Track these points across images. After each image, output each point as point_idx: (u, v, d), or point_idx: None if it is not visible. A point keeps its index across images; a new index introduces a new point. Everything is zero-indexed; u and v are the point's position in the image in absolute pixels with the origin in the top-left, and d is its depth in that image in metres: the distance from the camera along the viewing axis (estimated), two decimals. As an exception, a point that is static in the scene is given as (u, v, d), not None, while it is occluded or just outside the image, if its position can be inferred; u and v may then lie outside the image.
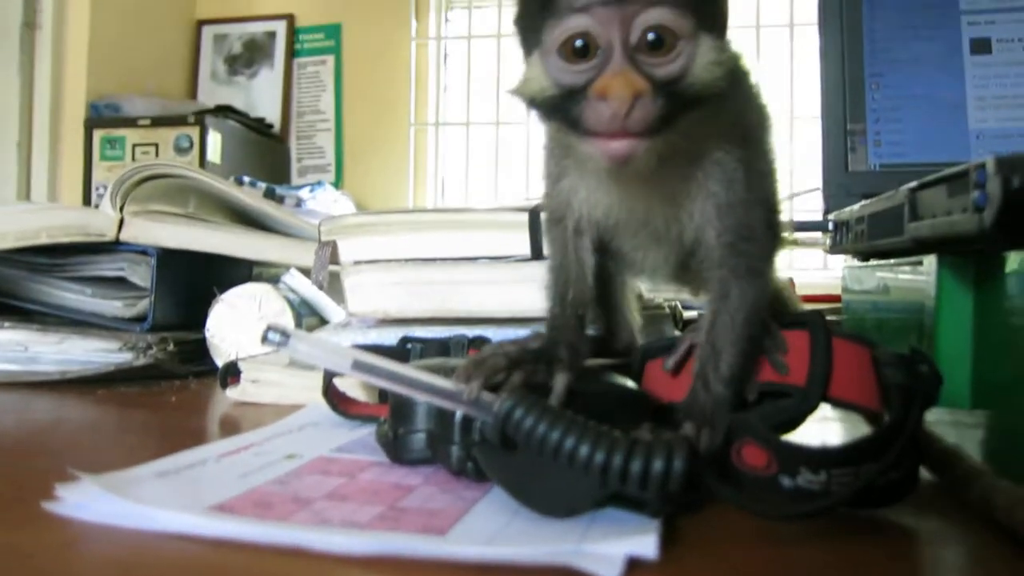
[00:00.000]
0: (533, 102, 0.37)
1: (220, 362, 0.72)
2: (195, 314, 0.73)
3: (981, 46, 0.62)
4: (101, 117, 2.61)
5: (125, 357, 0.67)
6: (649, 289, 0.54)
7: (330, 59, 3.05)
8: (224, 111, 2.74)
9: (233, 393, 0.60)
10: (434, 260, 0.59)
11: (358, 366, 0.34)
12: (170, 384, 0.68)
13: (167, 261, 0.72)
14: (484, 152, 2.94)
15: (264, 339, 0.33)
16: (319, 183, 2.78)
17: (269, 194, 2.54)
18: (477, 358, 0.38)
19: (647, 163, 0.35)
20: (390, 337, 0.58)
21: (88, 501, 0.32)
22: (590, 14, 0.34)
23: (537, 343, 0.41)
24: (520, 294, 0.57)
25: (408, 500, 0.34)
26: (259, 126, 2.93)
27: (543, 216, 0.48)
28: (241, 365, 0.60)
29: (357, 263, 0.60)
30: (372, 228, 0.60)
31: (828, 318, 0.77)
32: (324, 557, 0.27)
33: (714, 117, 0.38)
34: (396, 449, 0.40)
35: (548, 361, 0.40)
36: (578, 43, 0.34)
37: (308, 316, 0.77)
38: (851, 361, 0.38)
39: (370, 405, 0.53)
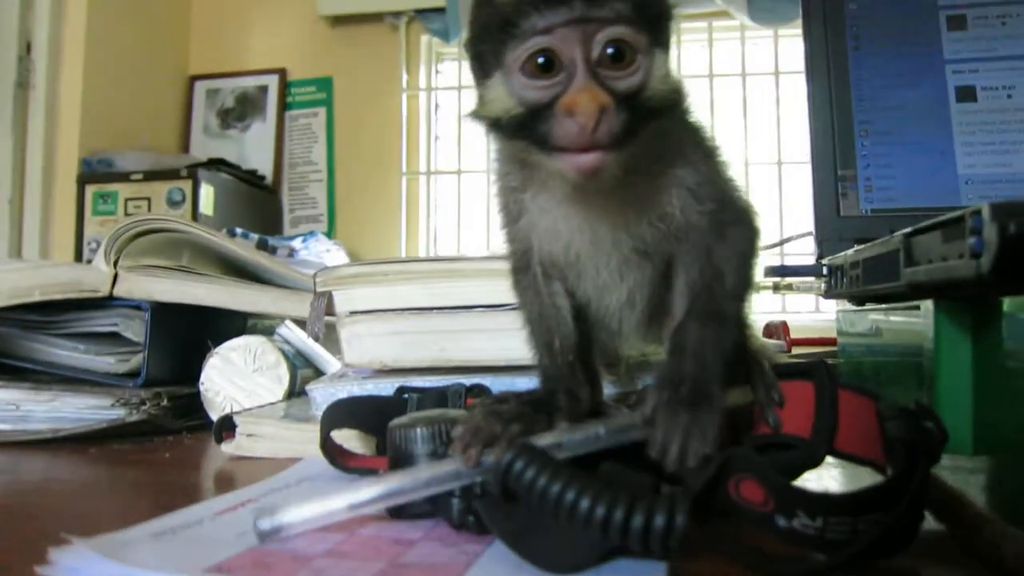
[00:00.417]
0: (497, 123, 0.38)
1: (214, 416, 0.72)
2: (189, 368, 0.73)
3: (966, 94, 0.63)
4: (94, 172, 2.62)
5: (118, 413, 0.66)
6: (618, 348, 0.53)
7: (322, 111, 3.09)
8: (216, 164, 2.75)
9: (228, 447, 0.59)
10: (430, 309, 0.59)
11: (354, 507, 0.35)
12: (163, 440, 0.67)
13: (161, 315, 0.72)
14: (476, 200, 2.96)
15: (259, 536, 0.34)
16: (312, 233, 2.79)
17: (261, 245, 2.55)
18: (472, 424, 0.37)
19: (614, 174, 0.36)
20: (387, 387, 0.58)
21: (82, 565, 0.31)
22: (552, 34, 0.34)
23: (535, 395, 0.42)
24: (516, 342, 0.57)
25: (409, 555, 0.33)
26: (251, 178, 2.95)
27: (509, 267, 0.48)
28: (236, 419, 0.59)
29: (353, 314, 0.60)
30: (367, 278, 0.60)
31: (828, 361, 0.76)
32: (326, 618, 0.27)
33: (670, 131, 0.40)
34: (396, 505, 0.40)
35: (548, 411, 0.40)
36: (541, 60, 0.35)
37: (303, 368, 0.77)
38: (856, 414, 0.38)
39: (368, 458, 0.52)
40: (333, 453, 0.51)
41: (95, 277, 0.69)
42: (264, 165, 3.07)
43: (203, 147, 3.06)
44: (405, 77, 3.02)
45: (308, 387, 0.61)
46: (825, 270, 0.60)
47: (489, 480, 0.35)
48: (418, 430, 0.41)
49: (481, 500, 0.36)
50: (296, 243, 2.65)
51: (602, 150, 0.35)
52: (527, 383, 0.56)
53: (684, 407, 0.35)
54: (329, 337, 0.68)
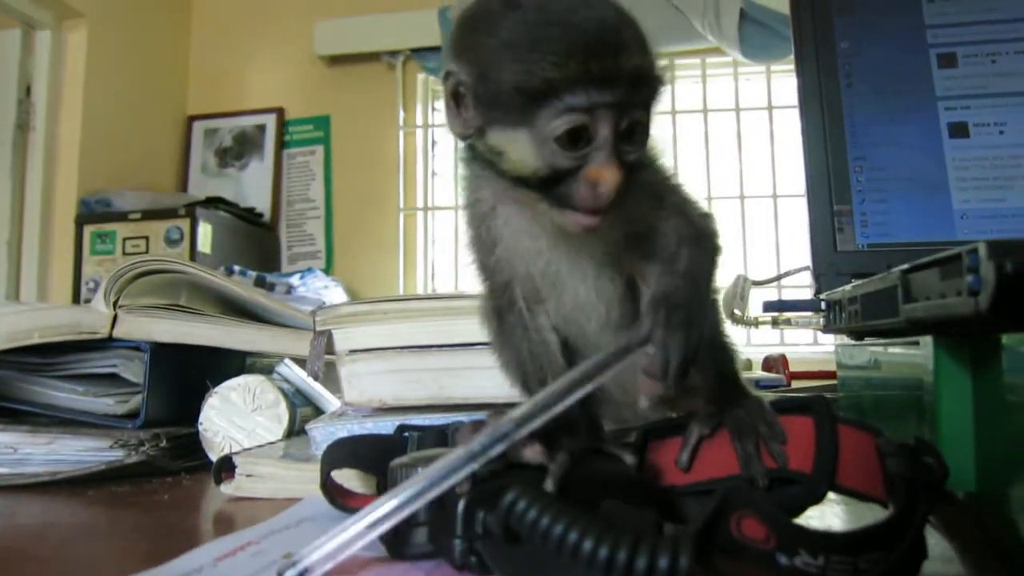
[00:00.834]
0: (524, 176, 0.40)
1: (213, 456, 0.71)
2: (188, 408, 0.73)
3: (959, 130, 0.64)
4: (92, 212, 2.64)
5: (116, 455, 0.66)
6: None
7: (319, 149, 3.12)
8: (214, 202, 2.77)
9: (227, 488, 0.59)
10: (429, 347, 0.59)
11: (373, 526, 0.35)
12: (162, 481, 0.66)
13: (160, 355, 0.72)
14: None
15: None
16: (309, 270, 2.80)
17: (259, 282, 2.56)
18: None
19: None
20: (387, 426, 0.58)
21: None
22: (592, 113, 0.37)
23: (537, 431, 0.41)
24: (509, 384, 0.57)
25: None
26: (249, 216, 2.97)
27: (487, 307, 0.49)
28: (235, 459, 0.59)
29: (352, 352, 0.60)
30: (367, 317, 0.60)
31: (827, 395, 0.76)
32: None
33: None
34: (397, 544, 0.40)
35: (550, 442, 0.40)
36: (576, 135, 0.38)
37: (302, 406, 0.77)
38: (856, 449, 0.38)
39: (368, 497, 0.52)
40: (333, 493, 0.50)
41: (94, 319, 0.69)
42: (262, 203, 3.09)
43: (201, 186, 3.08)
44: (402, 115, 3.05)
45: (308, 426, 0.61)
46: (823, 305, 0.60)
47: (491, 519, 0.35)
48: (419, 470, 0.40)
49: (483, 541, 0.36)
50: (294, 280, 2.66)
51: (604, 213, 0.38)
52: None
53: (680, 327, 0.37)
54: (329, 375, 0.68)
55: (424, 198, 3.07)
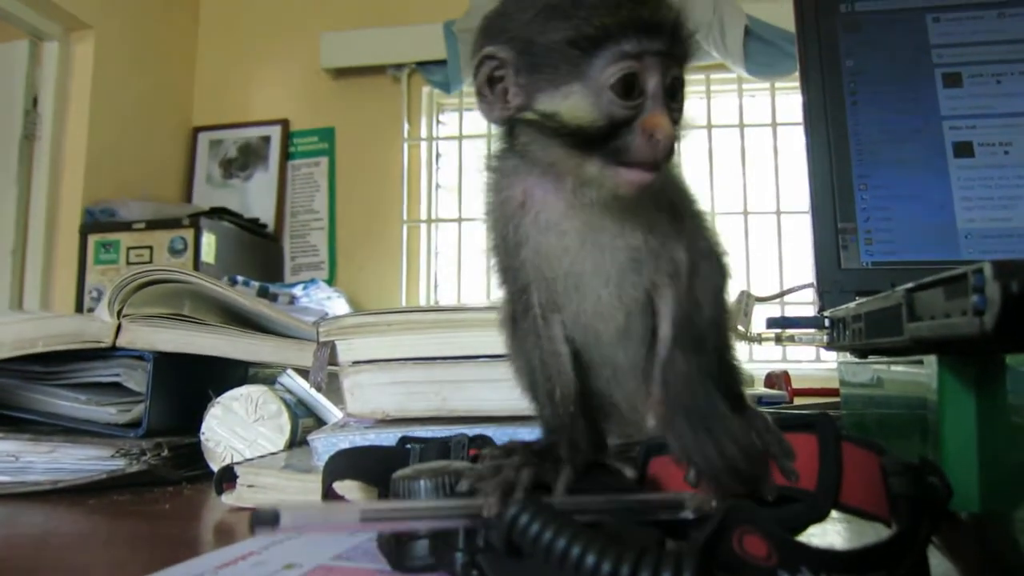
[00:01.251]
0: (579, 130, 0.40)
1: (214, 466, 0.71)
2: (189, 417, 0.73)
3: (964, 149, 0.65)
4: (96, 222, 2.65)
5: (118, 464, 0.66)
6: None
7: (324, 161, 3.13)
8: (219, 213, 2.78)
9: (229, 498, 0.59)
10: (433, 359, 0.59)
11: (367, 516, 0.34)
12: (163, 490, 0.66)
13: (163, 365, 0.72)
14: (477, 248, 2.98)
15: (252, 528, 0.31)
16: (312, 281, 2.80)
17: (262, 292, 2.56)
18: (487, 471, 0.38)
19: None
20: (389, 437, 0.58)
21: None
22: (642, 60, 0.39)
23: (538, 445, 0.42)
24: (519, 392, 0.57)
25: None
26: (253, 226, 2.98)
27: (505, 314, 0.49)
28: (237, 469, 0.59)
29: (356, 363, 0.60)
30: (370, 328, 0.60)
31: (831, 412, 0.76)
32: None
33: None
34: (398, 556, 0.39)
35: (552, 460, 0.40)
36: (629, 83, 0.39)
37: (304, 417, 0.77)
38: (860, 467, 0.38)
39: (370, 509, 0.51)
40: (335, 505, 0.50)
41: (98, 328, 0.69)
42: (266, 214, 3.10)
43: (206, 196, 3.10)
44: (406, 127, 3.07)
45: (310, 437, 0.61)
46: (827, 322, 0.60)
47: (493, 533, 0.35)
48: (422, 482, 0.40)
49: (485, 554, 0.36)
50: (297, 290, 2.66)
51: (657, 170, 0.39)
52: (529, 433, 0.56)
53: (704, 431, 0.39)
54: (331, 386, 0.68)
55: (428, 210, 3.08)
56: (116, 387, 0.72)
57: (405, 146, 3.06)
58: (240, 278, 2.60)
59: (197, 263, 2.60)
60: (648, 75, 0.39)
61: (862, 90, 0.68)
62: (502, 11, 0.42)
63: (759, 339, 0.85)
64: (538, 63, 0.40)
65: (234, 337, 0.75)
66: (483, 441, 0.54)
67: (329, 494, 0.50)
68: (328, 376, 0.64)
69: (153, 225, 2.62)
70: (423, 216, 3.06)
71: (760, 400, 0.88)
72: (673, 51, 0.39)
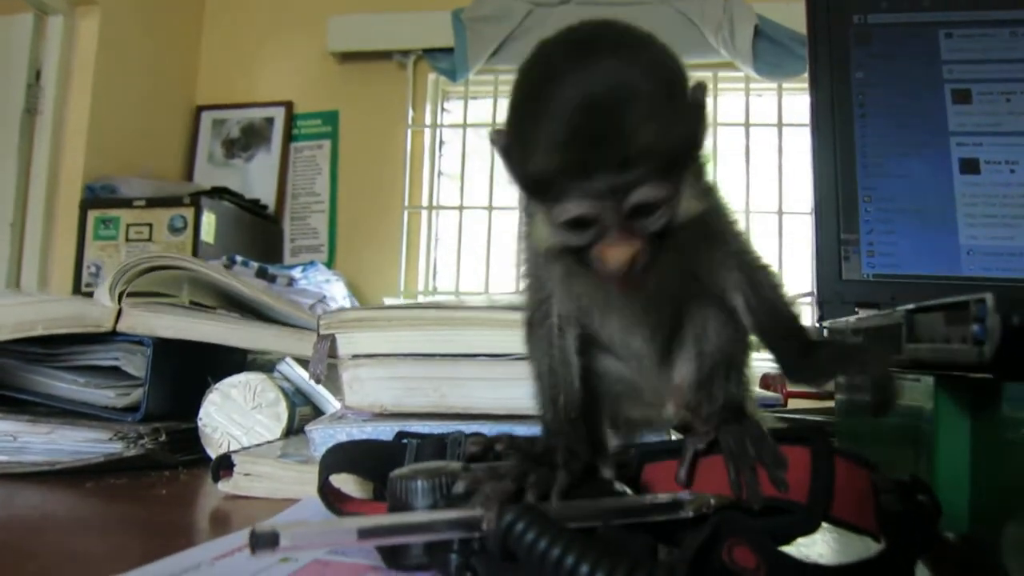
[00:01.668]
0: (544, 250, 0.42)
1: (211, 451, 0.71)
2: (187, 402, 0.73)
3: (970, 166, 0.65)
4: (97, 198, 2.64)
5: (116, 447, 0.66)
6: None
7: (327, 144, 3.12)
8: (219, 192, 2.77)
9: (225, 486, 0.59)
10: (432, 356, 0.59)
11: (364, 533, 0.34)
12: (159, 475, 0.67)
13: (162, 350, 0.72)
14: (477, 236, 2.98)
15: (252, 550, 0.31)
16: (312, 263, 2.80)
17: (261, 273, 2.55)
18: (483, 474, 0.38)
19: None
20: (386, 430, 0.58)
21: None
22: (589, 200, 0.37)
23: (535, 449, 0.42)
24: (518, 391, 0.57)
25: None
26: (254, 207, 2.97)
27: (524, 318, 0.49)
28: (234, 458, 0.59)
29: (355, 357, 0.61)
30: (371, 323, 0.60)
31: (821, 418, 0.77)
32: None
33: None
34: (393, 555, 0.40)
35: (548, 465, 0.41)
36: (580, 220, 0.38)
37: (302, 405, 0.77)
38: (852, 483, 0.39)
39: (365, 503, 0.52)
40: (331, 497, 0.51)
41: (99, 312, 0.69)
42: (267, 195, 3.09)
43: (207, 176, 3.08)
44: (411, 113, 3.05)
45: (307, 428, 0.61)
46: (826, 333, 0.60)
47: (489, 538, 0.35)
48: (419, 482, 0.41)
49: (479, 556, 0.36)
50: (296, 272, 2.66)
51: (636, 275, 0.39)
52: (525, 430, 0.57)
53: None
54: (328, 376, 0.68)
55: (429, 197, 3.08)
56: (115, 371, 0.72)
57: (409, 132, 3.05)
58: (239, 258, 2.59)
59: (197, 242, 2.59)
60: (600, 210, 0.38)
61: (870, 102, 0.68)
62: (512, 89, 0.41)
63: (757, 345, 0.85)
64: (524, 193, 0.41)
65: (234, 324, 0.76)
66: (479, 438, 0.55)
67: (325, 487, 0.50)
68: (327, 367, 0.64)
69: (153, 203, 2.61)
70: (424, 203, 3.05)
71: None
72: (631, 182, 0.37)
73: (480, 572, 0.36)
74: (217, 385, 0.72)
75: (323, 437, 0.59)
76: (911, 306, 0.39)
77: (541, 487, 0.39)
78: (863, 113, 0.68)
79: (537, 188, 0.39)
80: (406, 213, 3.02)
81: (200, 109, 3.20)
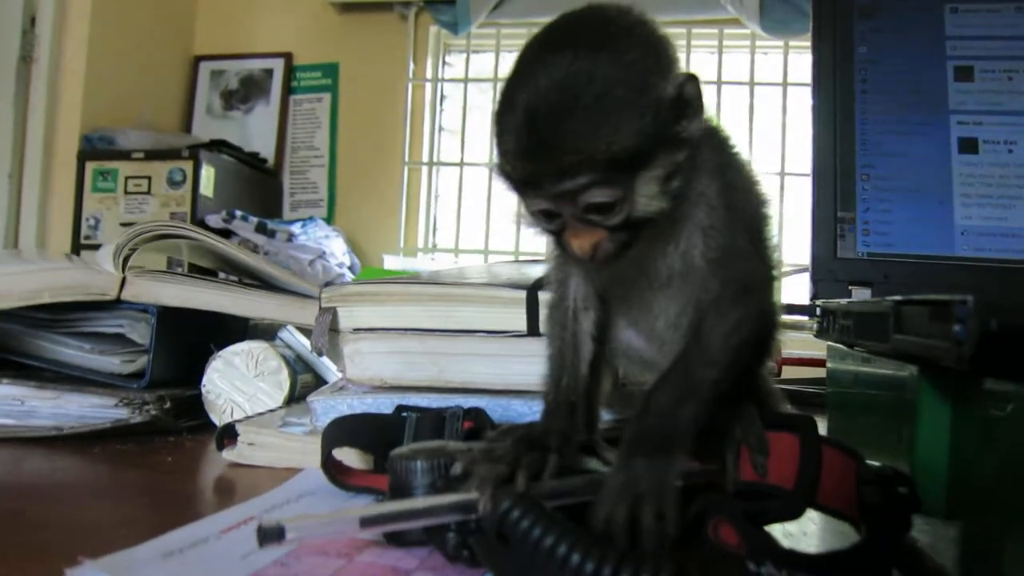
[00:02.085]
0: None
1: (215, 417, 0.73)
2: (190, 368, 0.74)
3: (969, 146, 0.65)
4: (95, 149, 2.62)
5: (121, 414, 0.67)
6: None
7: (326, 97, 3.09)
8: (218, 145, 2.76)
9: (229, 455, 0.61)
10: (432, 331, 0.60)
11: (366, 522, 0.35)
12: (164, 441, 0.68)
13: (166, 318, 0.73)
14: (477, 192, 2.97)
15: (259, 543, 0.33)
16: (311, 218, 2.80)
17: (261, 228, 2.56)
18: (480, 455, 0.39)
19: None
20: (386, 402, 0.59)
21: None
22: (545, 198, 0.40)
23: (533, 431, 0.43)
24: (515, 368, 0.59)
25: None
26: (253, 160, 2.95)
27: (546, 299, 0.50)
28: (238, 427, 0.61)
29: (357, 331, 0.62)
30: (372, 297, 0.61)
31: (812, 388, 0.78)
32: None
33: (699, 172, 0.43)
34: (393, 531, 0.41)
35: (541, 449, 0.42)
36: (546, 212, 0.41)
37: (303, 373, 0.78)
38: (837, 471, 0.40)
39: (367, 475, 0.53)
40: (333, 471, 0.52)
41: (104, 280, 0.70)
42: (266, 148, 3.07)
43: (205, 128, 3.06)
44: (412, 67, 3.02)
45: (309, 398, 0.62)
46: (818, 311, 0.61)
47: (485, 520, 0.37)
48: (418, 463, 0.42)
49: (476, 536, 0.38)
50: (295, 228, 2.66)
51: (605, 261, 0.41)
52: (522, 405, 0.58)
53: (641, 475, 0.36)
54: (330, 342, 0.69)
55: (430, 153, 3.06)
56: (119, 338, 0.73)
57: (409, 86, 3.01)
58: (239, 212, 2.59)
59: (195, 196, 2.59)
60: (557, 206, 0.40)
61: (872, 78, 0.68)
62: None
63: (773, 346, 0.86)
64: None
65: (238, 293, 0.76)
66: (477, 413, 0.56)
67: (328, 461, 0.52)
68: (329, 338, 0.65)
69: (152, 155, 2.60)
70: (424, 158, 3.04)
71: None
72: (565, 188, 0.39)
73: (476, 550, 0.38)
74: (220, 353, 0.73)
75: (324, 408, 0.61)
76: (899, 298, 0.40)
77: (532, 470, 0.40)
78: (864, 90, 0.68)
79: (509, 184, 0.42)
80: (406, 169, 3.01)
81: (198, 59, 3.16)
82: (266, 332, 0.85)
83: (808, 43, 0.70)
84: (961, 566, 0.37)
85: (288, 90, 3.10)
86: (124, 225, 2.53)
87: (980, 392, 0.36)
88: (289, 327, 0.81)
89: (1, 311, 0.68)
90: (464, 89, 3.01)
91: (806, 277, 0.71)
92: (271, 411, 0.70)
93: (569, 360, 0.47)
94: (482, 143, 2.98)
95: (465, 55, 3.04)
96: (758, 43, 2.73)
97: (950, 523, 0.39)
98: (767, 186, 0.50)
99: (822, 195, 0.66)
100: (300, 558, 0.39)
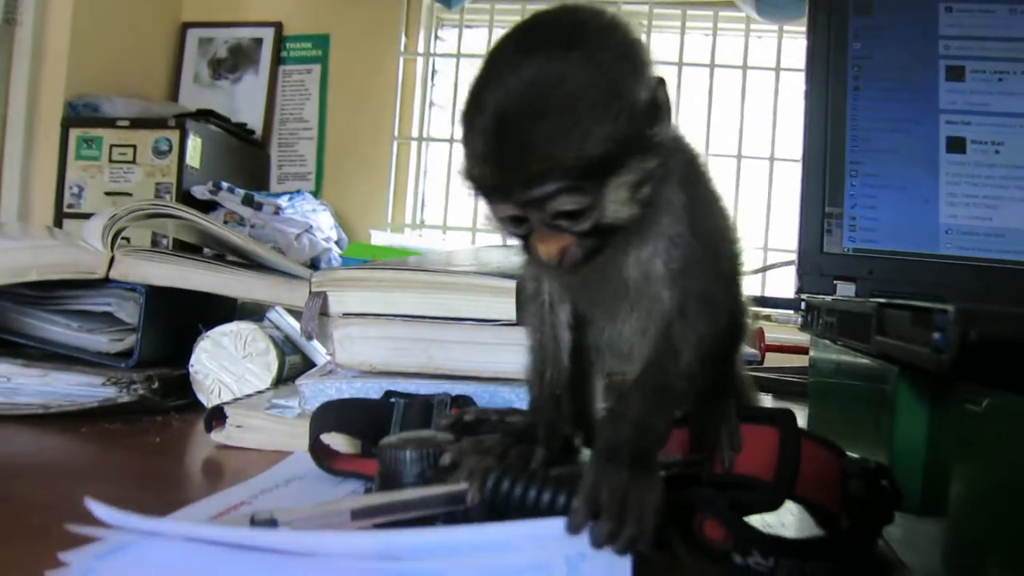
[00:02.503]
0: None
1: (202, 397, 0.73)
2: (178, 347, 0.74)
3: (956, 145, 0.65)
4: (79, 116, 2.58)
5: (108, 392, 0.68)
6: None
7: (316, 68, 3.05)
8: (205, 115, 2.72)
9: (218, 436, 0.61)
10: (421, 318, 0.61)
11: (357, 514, 0.36)
12: (152, 420, 0.68)
13: (154, 297, 0.73)
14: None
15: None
16: (299, 192, 2.77)
17: (248, 200, 2.53)
18: (468, 446, 0.40)
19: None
20: (374, 386, 0.60)
21: (90, 570, 0.33)
22: (513, 205, 0.40)
23: (520, 423, 0.44)
24: (503, 356, 0.59)
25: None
26: (240, 131, 2.92)
27: (522, 291, 0.51)
28: (227, 410, 0.61)
29: (346, 316, 0.62)
30: (363, 283, 0.61)
31: (794, 378, 0.79)
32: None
33: (666, 179, 0.42)
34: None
35: (528, 441, 0.43)
36: (513, 218, 0.41)
37: (291, 354, 0.78)
38: (818, 464, 0.41)
39: (354, 460, 0.54)
40: (321, 455, 0.53)
41: (92, 259, 0.70)
42: (254, 119, 3.03)
43: (192, 96, 3.01)
44: (403, 40, 2.98)
45: (297, 382, 0.63)
46: (803, 305, 0.62)
47: (472, 511, 0.38)
48: (407, 452, 0.43)
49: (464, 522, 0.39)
50: (283, 201, 2.64)
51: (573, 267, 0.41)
52: (509, 392, 0.59)
53: (618, 489, 0.34)
54: (319, 327, 0.69)
55: (420, 128, 3.03)
56: (107, 316, 0.73)
57: (401, 60, 2.98)
58: (225, 184, 2.57)
59: (182, 166, 2.55)
60: (525, 212, 0.40)
61: (865, 75, 0.68)
62: None
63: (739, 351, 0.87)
64: None
65: (227, 274, 0.76)
66: (465, 400, 0.57)
67: (316, 446, 0.52)
68: (319, 322, 0.65)
69: (137, 124, 2.55)
70: (415, 133, 3.01)
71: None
72: (533, 196, 0.38)
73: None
74: (208, 333, 0.73)
75: (313, 391, 0.61)
76: (882, 300, 0.41)
77: (520, 461, 0.41)
78: (857, 86, 0.68)
79: (476, 189, 0.41)
80: (395, 144, 2.99)
81: (186, 26, 3.10)
82: (254, 311, 0.85)
83: (802, 28, 0.70)
84: (935, 562, 0.38)
85: (278, 60, 3.05)
86: (108, 194, 2.50)
87: (958, 394, 0.37)
88: (277, 308, 0.81)
89: (-13, 288, 0.68)
90: (456, 64, 2.98)
91: (791, 270, 0.72)
92: (259, 393, 0.70)
93: (551, 352, 0.48)
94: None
95: (458, 30, 3.00)
96: (752, 27, 2.72)
97: (924, 519, 0.40)
98: (726, 198, 0.50)
99: (811, 191, 0.67)
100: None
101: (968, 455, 0.37)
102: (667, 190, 0.42)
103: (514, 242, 0.43)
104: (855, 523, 0.40)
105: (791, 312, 0.67)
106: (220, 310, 0.81)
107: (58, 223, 2.51)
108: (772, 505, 0.43)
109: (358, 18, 2.98)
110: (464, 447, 0.42)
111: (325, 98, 3.05)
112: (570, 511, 0.33)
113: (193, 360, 0.73)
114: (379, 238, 2.48)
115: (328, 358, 0.73)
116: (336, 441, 0.56)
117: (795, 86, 2.63)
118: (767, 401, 0.59)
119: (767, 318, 0.75)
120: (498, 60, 0.39)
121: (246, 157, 2.94)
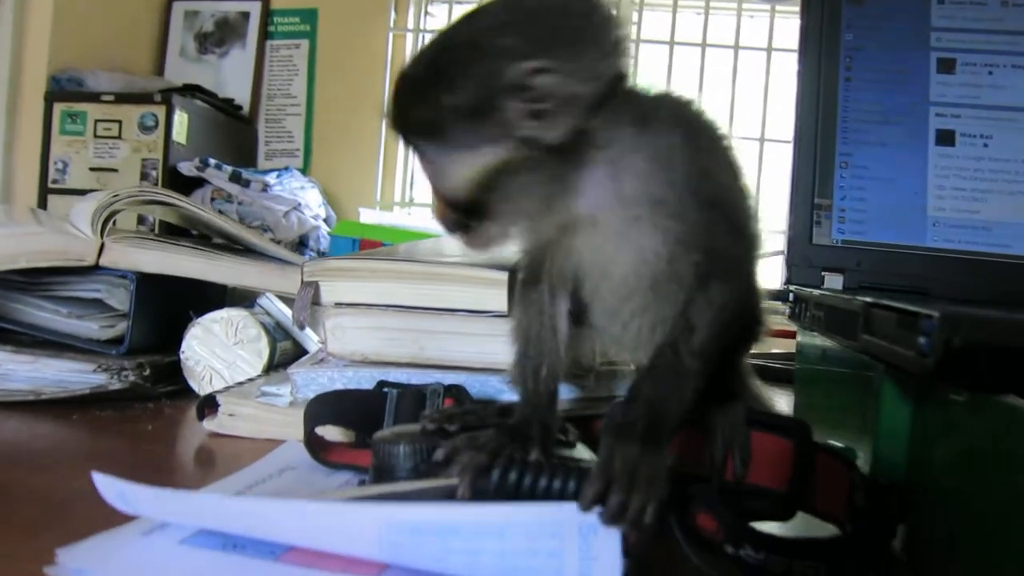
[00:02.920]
0: None
1: (194, 384, 0.73)
2: (169, 334, 0.74)
3: (946, 138, 0.66)
4: (63, 90, 2.54)
5: (99, 379, 0.68)
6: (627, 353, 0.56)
7: (304, 43, 3.01)
8: (192, 90, 2.68)
9: (210, 424, 0.61)
10: (413, 308, 0.61)
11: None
12: (143, 407, 0.68)
13: (145, 284, 0.73)
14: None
15: None
16: (287, 169, 2.75)
17: (235, 177, 2.51)
18: (462, 442, 0.41)
19: (493, 244, 0.45)
20: (367, 376, 0.60)
21: (88, 567, 0.33)
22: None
23: (511, 422, 0.44)
24: (495, 347, 0.59)
25: (391, 570, 0.36)
26: (227, 107, 2.88)
27: (518, 277, 0.50)
28: (219, 398, 0.61)
29: (339, 305, 0.62)
30: (355, 273, 0.61)
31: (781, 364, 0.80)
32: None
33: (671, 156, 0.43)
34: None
35: (522, 439, 0.43)
36: None
37: (283, 340, 0.79)
38: (829, 477, 0.42)
39: (348, 452, 0.55)
40: (316, 447, 0.53)
41: (82, 246, 0.69)
42: (241, 95, 2.99)
43: (178, 71, 2.97)
44: (393, 16, 2.95)
45: (290, 370, 0.63)
46: (791, 296, 0.63)
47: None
48: (401, 447, 0.43)
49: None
50: (270, 178, 2.62)
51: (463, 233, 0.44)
52: (500, 382, 0.59)
53: (629, 462, 0.34)
54: (311, 316, 0.69)
55: (408, 106, 3.01)
56: (97, 303, 0.73)
57: (390, 36, 2.94)
58: (212, 161, 2.54)
59: (168, 141, 2.52)
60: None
61: (857, 66, 0.69)
62: None
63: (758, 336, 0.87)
64: None
65: (218, 260, 0.76)
66: (458, 391, 0.57)
67: (311, 438, 0.53)
68: (311, 311, 0.65)
69: (122, 99, 2.52)
70: (403, 111, 2.99)
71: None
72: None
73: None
74: (199, 320, 0.73)
75: (305, 380, 0.61)
76: (870, 299, 0.42)
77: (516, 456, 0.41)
78: (848, 77, 0.69)
79: None
80: (384, 122, 2.96)
81: (171, -1, 3.05)
82: (245, 298, 0.85)
83: (794, 8, 0.70)
84: (916, 557, 0.39)
85: (265, 35, 3.01)
86: (93, 170, 2.48)
87: (941, 394, 0.37)
88: (268, 293, 0.81)
89: (-25, 274, 0.68)
90: (445, 41, 2.95)
91: (778, 259, 0.73)
92: (250, 380, 0.70)
93: (548, 345, 0.47)
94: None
95: (448, 6, 2.97)
96: (744, 5, 2.70)
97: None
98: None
99: (801, 182, 0.67)
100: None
101: (951, 453, 0.37)
102: (624, 174, 0.42)
103: None
104: (855, 528, 0.41)
105: (779, 304, 0.67)
106: (211, 296, 0.81)
107: (42, 199, 2.48)
108: (783, 516, 0.43)
109: (347, -8, 2.94)
110: (457, 443, 0.42)
111: (313, 74, 3.02)
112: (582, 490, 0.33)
113: (184, 347, 0.73)
114: (368, 216, 2.47)
115: (320, 345, 0.74)
116: (329, 431, 0.57)
117: (787, 67, 2.62)
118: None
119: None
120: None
121: (233, 133, 2.91)
